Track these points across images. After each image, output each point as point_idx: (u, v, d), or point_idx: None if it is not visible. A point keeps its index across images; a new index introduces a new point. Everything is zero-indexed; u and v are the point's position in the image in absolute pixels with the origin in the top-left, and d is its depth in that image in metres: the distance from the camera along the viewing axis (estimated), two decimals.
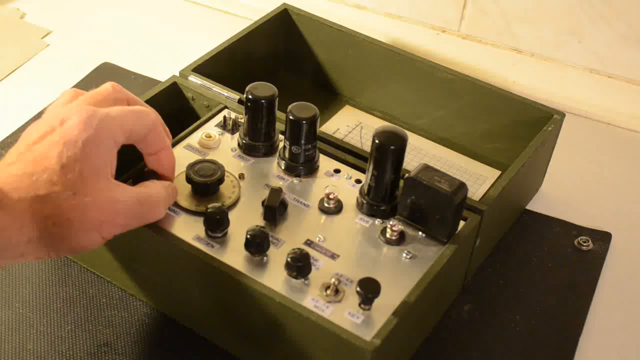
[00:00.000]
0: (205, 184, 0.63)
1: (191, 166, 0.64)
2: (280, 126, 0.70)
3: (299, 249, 0.58)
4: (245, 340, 0.61)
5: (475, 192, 0.77)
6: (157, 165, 0.62)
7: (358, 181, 0.68)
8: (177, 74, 0.76)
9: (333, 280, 0.58)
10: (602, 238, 0.75)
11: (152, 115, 0.60)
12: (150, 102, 0.72)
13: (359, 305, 0.57)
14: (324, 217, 0.65)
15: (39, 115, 0.84)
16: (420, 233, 0.63)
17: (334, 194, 0.65)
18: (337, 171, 0.69)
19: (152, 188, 0.59)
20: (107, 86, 0.60)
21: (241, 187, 0.66)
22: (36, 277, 0.67)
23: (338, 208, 0.65)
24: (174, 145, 0.69)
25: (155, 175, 0.62)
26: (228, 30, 0.85)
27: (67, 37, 0.97)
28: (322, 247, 0.62)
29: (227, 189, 0.65)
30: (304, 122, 0.65)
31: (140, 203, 0.57)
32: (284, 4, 0.87)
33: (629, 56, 0.89)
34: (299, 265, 0.57)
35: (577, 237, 0.75)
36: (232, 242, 0.61)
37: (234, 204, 0.64)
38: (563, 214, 0.78)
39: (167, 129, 0.63)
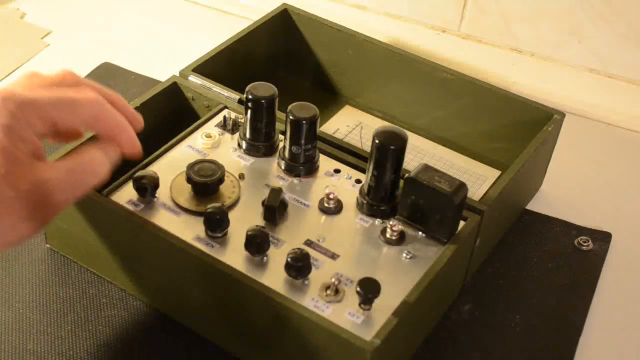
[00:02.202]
0: (205, 184, 0.63)
1: (191, 166, 0.64)
2: (280, 126, 0.70)
3: (299, 249, 0.58)
4: (245, 340, 0.61)
5: (475, 192, 0.77)
6: (121, 148, 0.58)
7: (358, 181, 0.68)
8: (177, 74, 0.76)
9: (333, 280, 0.58)
10: (602, 238, 0.75)
11: (93, 105, 0.55)
12: (150, 102, 0.72)
13: (359, 305, 0.57)
14: (324, 217, 0.65)
15: None
16: (420, 233, 0.63)
17: (334, 194, 0.65)
18: (337, 171, 0.69)
19: (83, 153, 0.55)
20: (58, 72, 0.57)
21: (241, 187, 0.66)
22: (36, 277, 0.67)
23: (338, 208, 0.65)
24: (174, 145, 0.69)
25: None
26: (228, 30, 0.85)
27: (67, 37, 0.97)
28: (322, 247, 0.62)
29: (227, 189, 0.65)
30: (304, 122, 0.65)
31: (74, 172, 0.53)
32: (284, 4, 0.87)
33: (629, 56, 0.89)
34: (299, 265, 0.57)
35: (577, 237, 0.75)
36: (232, 242, 0.61)
37: (234, 204, 0.64)
38: (563, 214, 0.78)
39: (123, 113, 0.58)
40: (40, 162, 0.53)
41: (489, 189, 0.76)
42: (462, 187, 0.61)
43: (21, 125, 0.52)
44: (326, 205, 0.65)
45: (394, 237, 0.62)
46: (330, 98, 0.87)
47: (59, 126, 0.54)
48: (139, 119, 0.60)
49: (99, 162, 0.55)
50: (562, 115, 0.75)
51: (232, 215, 0.63)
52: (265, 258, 0.60)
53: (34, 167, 0.52)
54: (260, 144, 0.69)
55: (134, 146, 0.59)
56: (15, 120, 0.51)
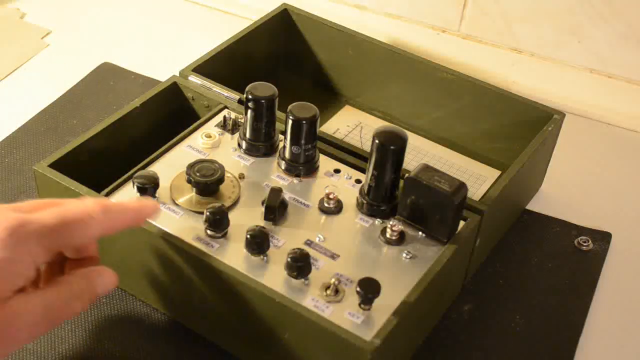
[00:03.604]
0: (205, 184, 0.63)
1: (191, 166, 0.64)
2: (280, 126, 0.70)
3: (299, 249, 0.58)
4: (245, 340, 0.61)
5: (475, 192, 0.77)
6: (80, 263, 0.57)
7: (358, 181, 0.68)
8: (177, 74, 0.76)
9: (333, 280, 0.58)
10: (602, 238, 0.75)
11: (94, 227, 0.53)
12: (150, 102, 0.72)
13: (359, 305, 0.57)
14: (324, 217, 0.65)
15: (39, 115, 0.84)
16: (420, 233, 0.63)
17: (334, 194, 0.65)
18: (337, 171, 0.69)
19: (64, 285, 0.53)
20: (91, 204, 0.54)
21: (241, 187, 0.66)
22: None
23: (338, 208, 0.65)
24: (174, 145, 0.69)
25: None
26: (228, 30, 0.85)
27: (67, 38, 0.97)
28: (322, 247, 0.62)
29: (227, 189, 0.65)
30: (304, 122, 0.65)
31: (49, 308, 0.51)
32: (284, 4, 0.87)
33: (629, 56, 0.89)
34: (299, 265, 0.57)
35: (577, 237, 0.75)
36: (232, 242, 0.61)
37: (234, 204, 0.64)
38: (563, 214, 0.78)
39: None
40: (18, 295, 0.50)
41: (489, 189, 0.76)
42: (462, 187, 0.61)
43: (20, 258, 0.49)
44: (326, 205, 0.65)
45: (394, 237, 0.62)
46: (330, 98, 0.87)
47: (61, 249, 0.54)
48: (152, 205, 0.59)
49: (80, 297, 0.53)
50: (562, 115, 0.75)
51: (232, 215, 0.63)
52: (265, 258, 0.60)
53: (9, 302, 0.49)
54: (260, 144, 0.69)
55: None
56: (15, 254, 0.49)
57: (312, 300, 0.57)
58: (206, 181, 0.63)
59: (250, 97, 0.67)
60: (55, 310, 0.52)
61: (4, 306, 0.49)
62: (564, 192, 0.81)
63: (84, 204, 0.53)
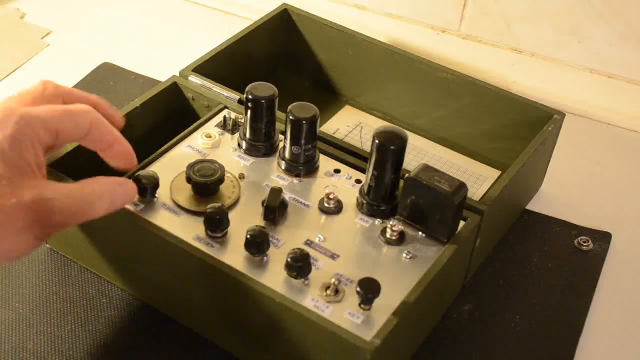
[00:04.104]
0: (205, 184, 0.63)
1: (191, 166, 0.64)
2: (280, 126, 0.70)
3: (299, 249, 0.58)
4: (245, 340, 0.61)
5: (475, 192, 0.77)
6: (113, 160, 0.61)
7: (358, 181, 0.68)
8: (177, 74, 0.76)
9: (333, 280, 0.58)
10: (602, 238, 0.75)
11: (88, 114, 0.58)
12: (150, 102, 0.72)
13: (359, 305, 0.57)
14: (324, 217, 0.65)
15: None
16: (420, 233, 0.63)
17: (334, 194, 0.65)
18: (337, 171, 0.69)
19: (89, 184, 0.56)
20: (38, 85, 0.59)
21: (241, 187, 0.66)
22: (36, 277, 0.67)
23: (338, 208, 0.65)
24: (174, 145, 0.69)
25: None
26: (228, 30, 0.85)
27: (67, 38, 0.97)
28: (322, 247, 0.62)
29: (227, 189, 0.65)
30: (304, 122, 0.65)
31: (74, 198, 0.54)
32: (284, 4, 0.87)
33: (629, 56, 0.89)
34: (299, 265, 0.57)
35: (577, 237, 0.75)
36: (232, 242, 0.61)
37: (234, 204, 0.64)
38: (563, 214, 0.78)
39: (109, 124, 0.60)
40: (44, 180, 0.54)
41: (489, 189, 0.76)
42: (462, 187, 0.61)
43: (27, 136, 0.54)
44: (326, 205, 0.65)
45: (394, 237, 0.62)
46: (330, 98, 0.87)
47: (60, 137, 0.56)
48: (119, 118, 0.64)
49: (102, 198, 0.56)
50: (562, 115, 0.75)
51: (232, 215, 0.63)
52: (265, 258, 0.60)
53: (37, 181, 0.53)
54: (260, 144, 0.69)
55: (128, 157, 0.61)
56: (21, 131, 0.53)
57: (312, 300, 0.57)
58: (206, 181, 0.63)
59: (250, 97, 0.67)
60: (79, 202, 0.54)
61: (34, 182, 0.53)
62: (564, 192, 0.81)
63: (75, 104, 0.59)
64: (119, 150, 0.61)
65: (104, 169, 0.66)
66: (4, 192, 0.51)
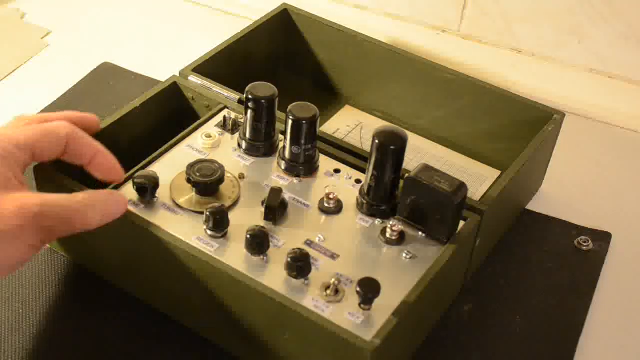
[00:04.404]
0: (205, 184, 0.63)
1: (191, 166, 0.64)
2: (280, 126, 0.70)
3: (299, 249, 0.58)
4: (245, 340, 0.61)
5: (475, 192, 0.77)
6: (98, 172, 0.62)
7: (358, 181, 0.68)
8: (177, 74, 0.76)
9: (333, 280, 0.58)
10: (602, 238, 0.75)
11: (62, 130, 0.60)
12: (150, 102, 0.72)
13: (359, 305, 0.57)
14: (324, 217, 0.65)
15: None
16: (420, 233, 0.63)
17: (334, 194, 0.65)
18: (337, 171, 0.69)
19: (78, 194, 0.57)
20: (12, 120, 0.62)
21: (241, 187, 0.66)
22: (36, 277, 0.67)
23: (338, 208, 0.65)
24: (174, 145, 0.69)
25: None
26: (228, 30, 0.85)
27: (67, 38, 0.97)
28: (322, 247, 0.62)
29: (227, 189, 0.65)
30: (304, 122, 0.65)
31: (63, 206, 0.55)
32: (284, 4, 0.87)
33: (629, 56, 0.89)
34: (299, 265, 0.57)
35: (577, 237, 0.75)
36: (232, 242, 0.61)
37: (234, 204, 0.64)
38: (563, 214, 0.78)
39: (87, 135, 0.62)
40: (31, 192, 0.56)
41: (489, 189, 0.76)
42: (462, 187, 0.61)
43: (2, 155, 0.56)
44: (326, 205, 0.65)
45: (394, 237, 0.62)
46: (330, 98, 0.87)
47: (37, 154, 0.59)
48: (93, 119, 0.66)
49: (92, 207, 0.57)
50: (562, 115, 0.75)
51: (232, 215, 0.63)
52: (265, 258, 0.60)
53: (23, 192, 0.55)
54: (260, 144, 0.69)
55: (112, 168, 0.62)
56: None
57: (312, 300, 0.57)
58: (206, 181, 0.63)
59: (250, 97, 0.67)
60: (67, 209, 0.56)
61: (15, 192, 0.54)
62: (564, 192, 0.81)
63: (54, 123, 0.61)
64: (101, 161, 0.62)
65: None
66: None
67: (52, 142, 0.60)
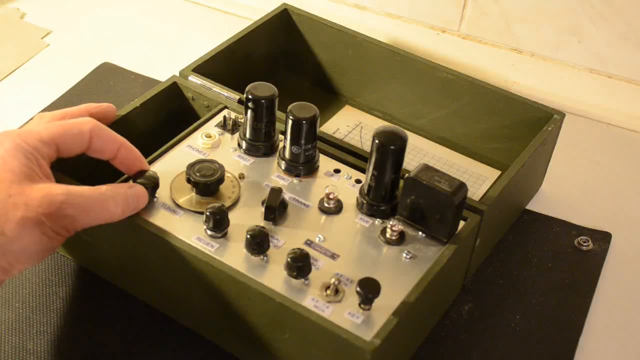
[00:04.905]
0: (205, 184, 0.63)
1: (191, 166, 0.64)
2: (280, 126, 0.70)
3: (299, 249, 0.58)
4: (245, 340, 0.61)
5: (475, 192, 0.77)
6: (123, 165, 0.63)
7: (358, 181, 0.68)
8: (177, 74, 0.76)
9: (333, 280, 0.58)
10: (602, 238, 0.75)
11: (86, 125, 0.61)
12: (150, 102, 0.72)
13: (359, 305, 0.57)
14: (324, 217, 0.65)
15: None
16: (420, 233, 0.63)
17: (334, 194, 0.65)
18: (337, 171, 0.69)
19: (100, 186, 0.59)
20: (35, 117, 0.64)
21: (241, 187, 0.66)
22: (36, 277, 0.67)
23: (338, 208, 0.65)
24: (174, 145, 0.69)
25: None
26: (228, 30, 0.85)
27: (67, 37, 0.97)
28: (322, 247, 0.62)
29: (227, 189, 0.65)
30: (304, 122, 0.65)
31: (85, 197, 0.57)
32: (284, 4, 0.87)
33: (629, 56, 0.89)
34: (299, 265, 0.57)
35: (577, 237, 0.75)
36: (232, 242, 0.61)
37: (234, 204, 0.64)
38: (563, 214, 0.78)
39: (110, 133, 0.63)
40: (54, 182, 0.57)
41: (489, 189, 0.76)
42: (462, 187, 0.61)
43: (26, 149, 0.57)
44: (326, 205, 0.65)
45: (394, 237, 0.62)
46: (330, 98, 0.87)
47: (62, 149, 0.59)
48: (110, 109, 0.68)
49: (113, 199, 0.59)
50: (562, 115, 0.75)
51: (232, 215, 0.63)
52: (265, 258, 0.60)
53: (48, 183, 0.57)
54: (260, 144, 0.69)
55: (136, 160, 0.63)
56: (19, 145, 0.57)
57: (312, 300, 0.57)
58: (206, 181, 0.63)
59: (250, 97, 0.67)
60: (90, 200, 0.57)
61: (37, 183, 0.56)
62: (564, 192, 0.81)
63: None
64: (126, 155, 0.62)
65: (104, 170, 0.66)
66: (13, 191, 0.54)
67: (76, 137, 0.60)
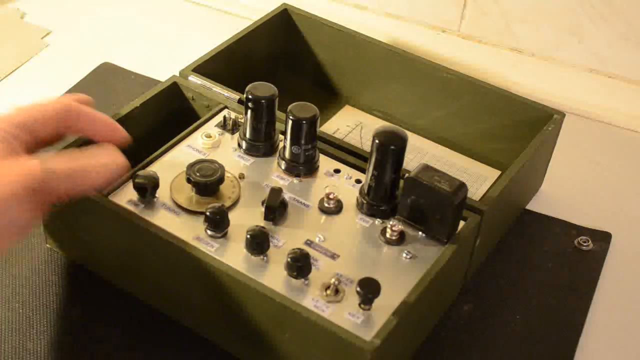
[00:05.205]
0: (205, 184, 0.63)
1: (191, 166, 0.64)
2: (280, 126, 0.70)
3: (299, 249, 0.58)
4: (245, 340, 0.61)
5: (475, 192, 0.77)
6: (102, 137, 0.63)
7: (358, 181, 0.68)
8: (177, 74, 0.76)
9: (333, 280, 0.58)
10: (602, 238, 0.75)
11: (56, 104, 0.60)
12: (150, 102, 0.72)
13: (359, 305, 0.57)
14: (324, 217, 0.65)
15: None
16: (420, 233, 0.63)
17: (334, 194, 0.65)
18: (337, 171, 0.69)
19: (81, 157, 0.59)
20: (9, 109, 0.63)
21: (241, 187, 0.66)
22: (36, 277, 0.67)
23: (338, 208, 0.65)
24: (174, 145, 0.69)
25: None
26: (228, 30, 0.85)
27: (67, 37, 0.97)
28: (322, 247, 0.62)
29: (227, 189, 0.65)
30: (304, 122, 0.65)
31: (70, 167, 0.57)
32: (284, 4, 0.87)
33: (629, 56, 0.89)
34: (299, 265, 0.57)
35: (577, 237, 0.75)
36: (232, 242, 0.61)
37: (234, 204, 0.64)
38: (563, 214, 0.78)
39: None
40: (43, 154, 0.57)
41: (489, 189, 0.76)
42: (462, 187, 0.61)
43: (3, 133, 0.56)
44: (326, 205, 0.65)
45: (394, 237, 0.62)
46: (330, 98, 0.87)
47: (37, 132, 0.59)
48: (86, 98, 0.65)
49: (96, 170, 0.59)
50: (562, 115, 0.75)
51: (232, 215, 0.63)
52: (265, 258, 0.60)
53: (33, 157, 0.56)
54: (260, 144, 0.69)
55: (114, 130, 0.63)
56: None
57: (312, 300, 0.57)
58: (206, 181, 0.63)
59: (250, 97, 0.67)
60: (75, 176, 0.57)
61: (33, 156, 0.56)
62: (564, 192, 0.81)
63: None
64: (101, 127, 0.63)
65: None
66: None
67: (47, 117, 0.60)
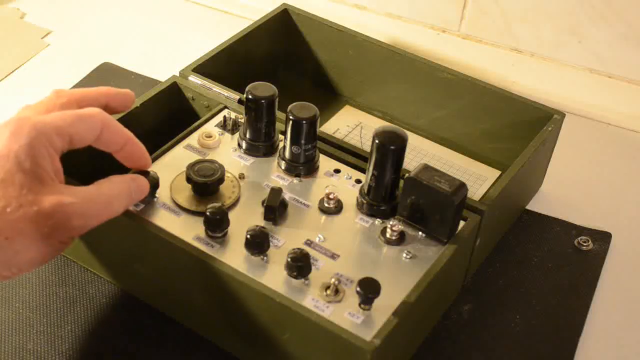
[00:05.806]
0: (205, 184, 0.63)
1: (191, 166, 0.64)
2: (280, 126, 0.70)
3: (299, 249, 0.58)
4: (245, 340, 0.61)
5: (475, 192, 0.77)
6: (127, 160, 0.62)
7: (358, 181, 0.68)
8: (177, 74, 0.76)
9: (333, 280, 0.58)
10: (602, 238, 0.75)
11: (98, 116, 0.59)
12: (150, 102, 0.72)
13: (359, 305, 0.57)
14: (324, 217, 0.65)
15: None
16: (420, 233, 0.63)
17: (334, 194, 0.65)
18: (337, 171, 0.69)
19: (105, 185, 0.58)
20: (51, 94, 0.61)
21: (241, 187, 0.66)
22: (36, 277, 0.67)
23: (338, 208, 0.65)
24: (174, 145, 0.69)
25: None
26: (228, 30, 0.85)
27: (67, 37, 0.97)
28: (322, 247, 0.62)
29: (227, 189, 0.65)
30: (304, 122, 0.65)
31: (93, 201, 0.56)
32: (284, 4, 0.87)
33: (629, 56, 0.89)
34: (299, 265, 0.57)
35: (577, 237, 0.75)
36: (232, 242, 0.61)
37: (234, 204, 0.64)
38: (563, 214, 0.78)
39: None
40: (62, 185, 0.55)
41: (489, 189, 0.76)
42: (462, 187, 0.61)
43: (41, 143, 0.55)
44: (326, 205, 0.65)
45: (394, 237, 0.62)
46: (330, 98, 0.87)
47: (74, 141, 0.57)
48: (130, 96, 0.65)
49: (119, 197, 0.58)
50: (562, 115, 0.75)
51: (232, 215, 0.63)
52: (265, 258, 0.60)
53: (56, 187, 0.54)
54: (260, 144, 0.69)
55: (141, 156, 0.62)
56: (35, 139, 0.54)
57: (312, 300, 0.57)
58: (206, 181, 0.63)
59: (250, 97, 0.67)
60: (97, 204, 0.56)
61: (53, 189, 0.54)
62: (564, 192, 0.81)
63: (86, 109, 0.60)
64: (131, 150, 0.61)
65: (104, 170, 0.66)
66: (24, 201, 0.52)
67: (88, 129, 0.58)
